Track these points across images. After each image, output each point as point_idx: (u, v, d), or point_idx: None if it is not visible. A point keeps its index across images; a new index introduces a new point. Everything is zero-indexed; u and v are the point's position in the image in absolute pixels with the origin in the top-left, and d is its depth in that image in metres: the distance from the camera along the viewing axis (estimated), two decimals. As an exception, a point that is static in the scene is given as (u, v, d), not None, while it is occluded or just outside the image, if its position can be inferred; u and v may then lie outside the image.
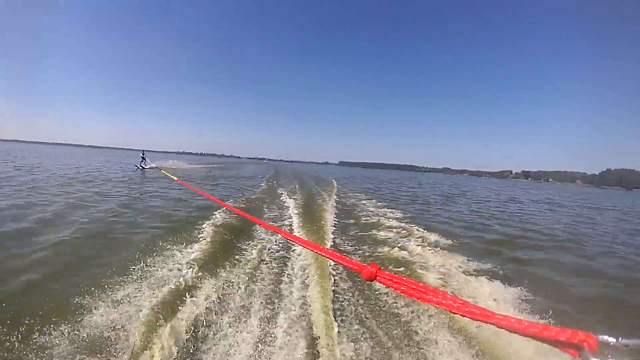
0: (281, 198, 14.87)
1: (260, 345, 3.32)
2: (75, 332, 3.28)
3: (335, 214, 11.15)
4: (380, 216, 11.29)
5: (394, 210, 12.80)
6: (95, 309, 3.70)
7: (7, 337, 3.10)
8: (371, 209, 13.21)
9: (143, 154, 27.96)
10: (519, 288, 4.95)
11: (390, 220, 10.51)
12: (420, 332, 3.65)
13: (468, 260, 6.38)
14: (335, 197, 16.36)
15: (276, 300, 4.26)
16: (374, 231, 8.85)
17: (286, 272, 5.21)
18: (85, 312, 3.65)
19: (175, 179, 8.41)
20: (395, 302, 4.25)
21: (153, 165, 26.49)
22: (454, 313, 0.92)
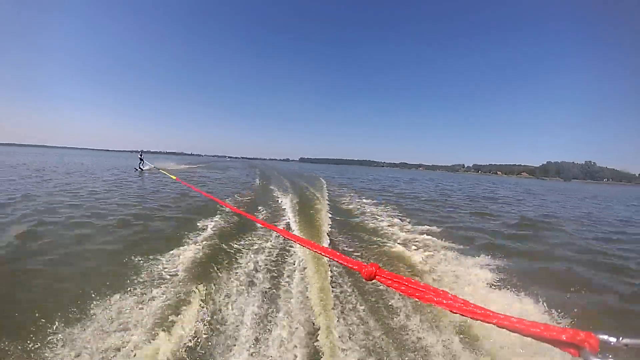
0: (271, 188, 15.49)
1: (260, 343, 3.25)
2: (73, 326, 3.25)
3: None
4: (373, 212, 11.44)
5: (386, 205, 13.11)
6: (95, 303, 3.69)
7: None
8: (363, 204, 13.41)
9: (141, 155, 25.99)
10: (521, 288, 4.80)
11: (385, 216, 10.60)
12: (420, 331, 3.60)
13: (464, 251, 6.56)
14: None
15: (275, 299, 4.17)
16: (368, 226, 8.97)
17: (285, 270, 5.11)
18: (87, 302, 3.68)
19: (175, 178, 8.48)
20: (396, 302, 4.19)
21: (152, 166, 25.56)
22: (455, 313, 0.90)
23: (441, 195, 20.60)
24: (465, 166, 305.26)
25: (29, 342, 3.00)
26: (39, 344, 2.99)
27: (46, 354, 2.88)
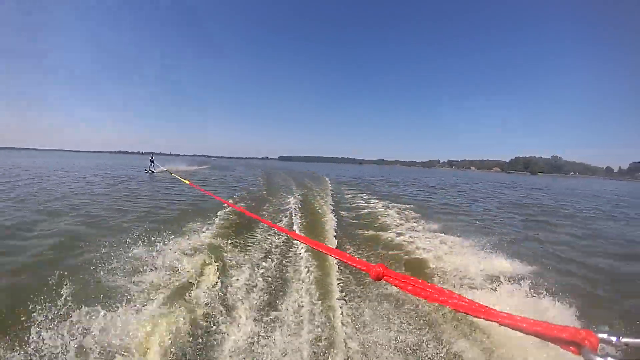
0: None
1: (264, 342, 3.19)
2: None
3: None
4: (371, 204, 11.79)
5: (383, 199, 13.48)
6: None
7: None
8: (365, 199, 13.65)
9: (152, 158, 25.40)
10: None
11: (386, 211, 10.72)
12: (426, 329, 3.55)
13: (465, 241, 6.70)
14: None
15: (281, 299, 4.11)
16: (371, 222, 9.14)
17: (291, 270, 5.06)
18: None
19: (188, 182, 8.15)
20: (402, 301, 4.13)
21: (163, 168, 24.77)
22: (459, 311, 0.92)
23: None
24: (441, 161, 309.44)
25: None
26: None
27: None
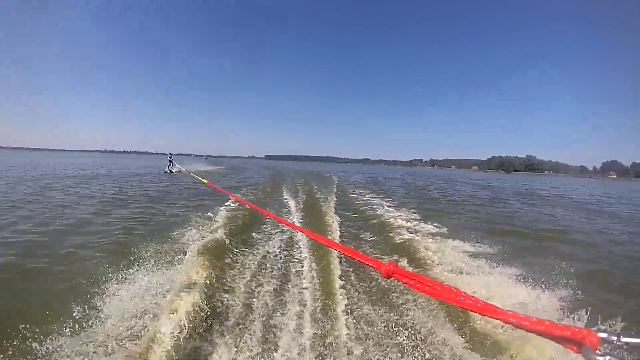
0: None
1: (267, 339, 3.13)
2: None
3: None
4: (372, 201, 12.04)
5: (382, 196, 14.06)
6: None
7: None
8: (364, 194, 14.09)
9: (170, 158, 25.49)
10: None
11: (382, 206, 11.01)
12: (431, 327, 3.50)
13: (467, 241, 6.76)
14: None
15: (284, 294, 4.07)
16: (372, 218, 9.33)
17: (297, 265, 5.03)
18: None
19: (206, 182, 8.45)
20: (406, 298, 4.09)
21: (182, 168, 24.79)
22: (465, 309, 0.94)
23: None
24: (423, 161, 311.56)
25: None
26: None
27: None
